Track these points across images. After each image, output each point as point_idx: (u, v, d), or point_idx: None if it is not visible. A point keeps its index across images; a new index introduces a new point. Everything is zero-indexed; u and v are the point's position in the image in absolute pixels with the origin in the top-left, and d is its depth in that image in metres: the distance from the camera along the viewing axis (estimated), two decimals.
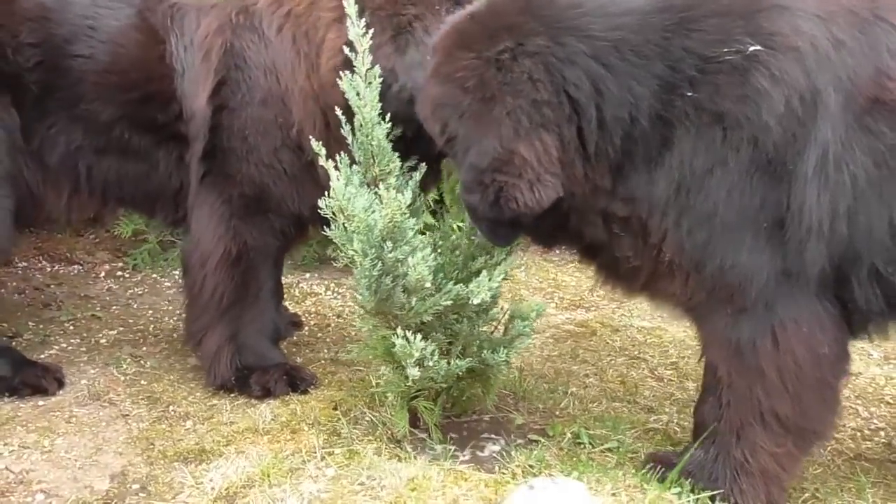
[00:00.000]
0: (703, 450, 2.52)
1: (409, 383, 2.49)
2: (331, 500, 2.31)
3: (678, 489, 2.47)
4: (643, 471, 2.57)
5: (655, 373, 3.53)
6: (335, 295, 4.23)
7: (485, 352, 2.59)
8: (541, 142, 2.16)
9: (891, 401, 3.30)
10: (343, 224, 2.51)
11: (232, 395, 3.07)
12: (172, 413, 2.94)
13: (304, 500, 2.31)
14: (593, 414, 3.04)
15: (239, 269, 3.04)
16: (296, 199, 3.01)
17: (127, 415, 2.92)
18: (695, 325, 2.50)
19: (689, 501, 2.41)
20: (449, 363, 2.50)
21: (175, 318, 3.80)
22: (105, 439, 2.76)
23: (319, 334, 3.75)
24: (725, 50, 2.16)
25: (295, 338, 3.63)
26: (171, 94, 2.97)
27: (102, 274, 4.31)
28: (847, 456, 2.90)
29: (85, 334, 3.56)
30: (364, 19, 2.60)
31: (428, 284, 2.41)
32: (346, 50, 2.65)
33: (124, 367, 3.26)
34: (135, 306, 3.92)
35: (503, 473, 2.50)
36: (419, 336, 2.41)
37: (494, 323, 2.74)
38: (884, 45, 2.14)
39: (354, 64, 2.65)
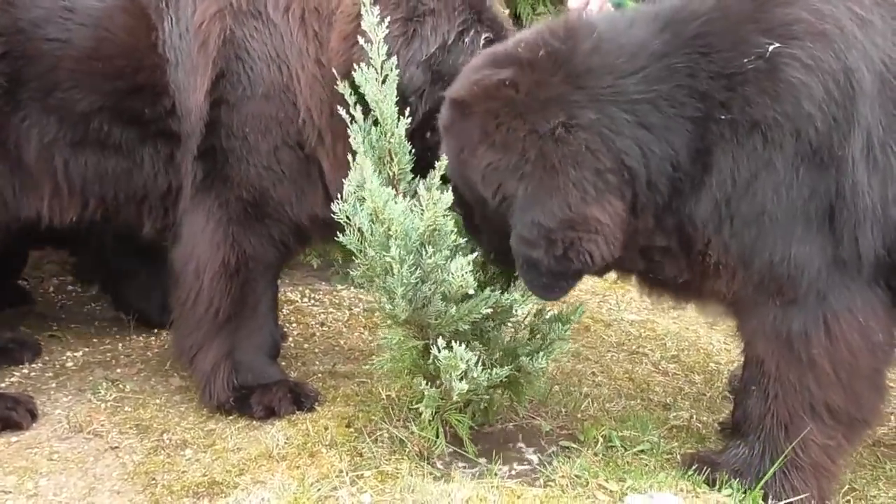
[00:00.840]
0: (748, 447, 2.45)
1: (456, 397, 2.30)
2: None
3: (729, 490, 2.39)
4: (690, 473, 2.48)
5: (659, 367, 3.47)
6: (313, 301, 3.98)
7: (522, 358, 2.44)
8: (611, 204, 2.17)
9: None
10: (369, 229, 2.31)
11: (230, 417, 2.80)
12: (168, 442, 2.65)
13: None
14: (613, 415, 2.95)
15: (237, 281, 2.78)
16: (295, 204, 2.78)
17: (116, 447, 2.61)
18: (738, 319, 2.43)
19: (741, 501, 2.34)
20: (490, 373, 2.33)
21: (145, 335, 3.47)
22: (97, 477, 2.46)
23: (306, 346, 3.51)
24: (746, 61, 2.16)
25: (281, 351, 3.37)
26: (162, 87, 2.67)
27: (51, 289, 3.91)
28: (866, 443, 2.90)
29: (47, 357, 3.19)
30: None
31: (471, 291, 2.24)
32: (361, 40, 2.46)
33: (102, 392, 2.92)
34: (96, 324, 3.56)
35: (551, 486, 2.36)
36: (463, 347, 2.23)
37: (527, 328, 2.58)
38: None
39: (370, 55, 2.45)
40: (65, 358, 3.21)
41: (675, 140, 2.19)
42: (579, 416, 2.91)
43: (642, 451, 2.67)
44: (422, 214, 2.28)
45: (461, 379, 2.25)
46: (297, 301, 3.97)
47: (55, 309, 3.70)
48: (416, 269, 2.27)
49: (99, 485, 2.42)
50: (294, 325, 3.71)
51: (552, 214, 2.16)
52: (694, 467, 2.50)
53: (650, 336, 3.78)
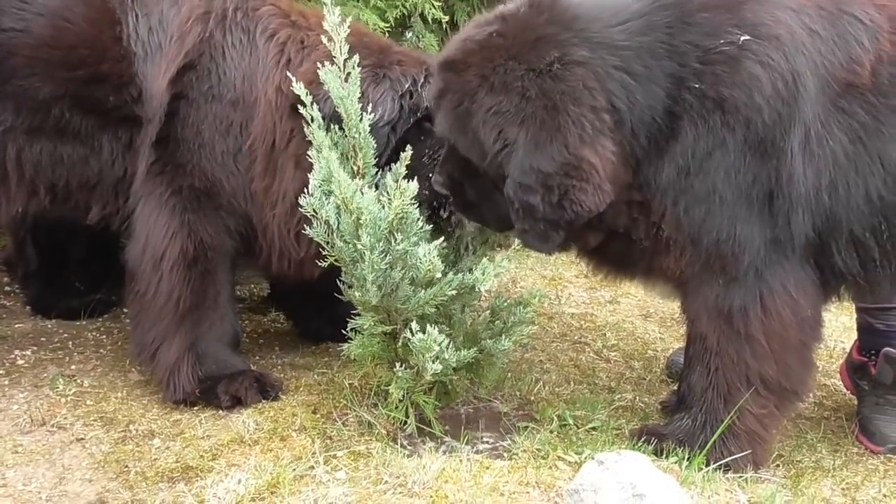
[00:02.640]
0: (691, 418, 2.66)
1: (429, 377, 2.41)
2: (360, 502, 2.19)
3: (675, 458, 2.59)
4: (638, 444, 2.67)
5: (602, 355, 3.67)
6: (261, 300, 4.01)
7: (486, 341, 2.58)
8: (603, 148, 2.26)
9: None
10: (337, 220, 2.42)
11: (195, 407, 2.82)
12: (135, 432, 2.65)
13: None
14: (563, 398, 3.12)
15: (197, 271, 2.80)
16: (248, 199, 2.82)
17: (82, 438, 2.60)
18: (683, 298, 2.64)
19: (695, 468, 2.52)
20: (458, 354, 2.46)
21: (94, 331, 3.43)
22: (65, 467, 2.45)
23: (261, 341, 3.54)
24: (721, 41, 2.34)
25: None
26: (128, 77, 2.71)
27: None
28: (790, 417, 3.18)
29: None
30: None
31: (439, 275, 2.36)
32: (324, 39, 2.59)
33: (60, 387, 2.89)
34: (41, 324, 3.48)
35: (515, 459, 2.51)
36: (435, 330, 2.35)
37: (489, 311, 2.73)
38: (851, 35, 2.39)
39: (333, 54, 2.57)
40: (14, 356, 3.14)
41: (656, 91, 2.30)
42: (532, 398, 3.07)
43: (594, 427, 2.85)
44: (389, 203, 2.38)
45: (434, 360, 2.37)
46: (246, 299, 3.99)
47: None
48: (386, 255, 2.37)
49: (69, 475, 2.41)
50: (246, 322, 3.73)
51: (551, 158, 2.24)
52: (643, 439, 2.68)
53: (591, 327, 3.99)
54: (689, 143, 2.33)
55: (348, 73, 2.58)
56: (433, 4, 4.18)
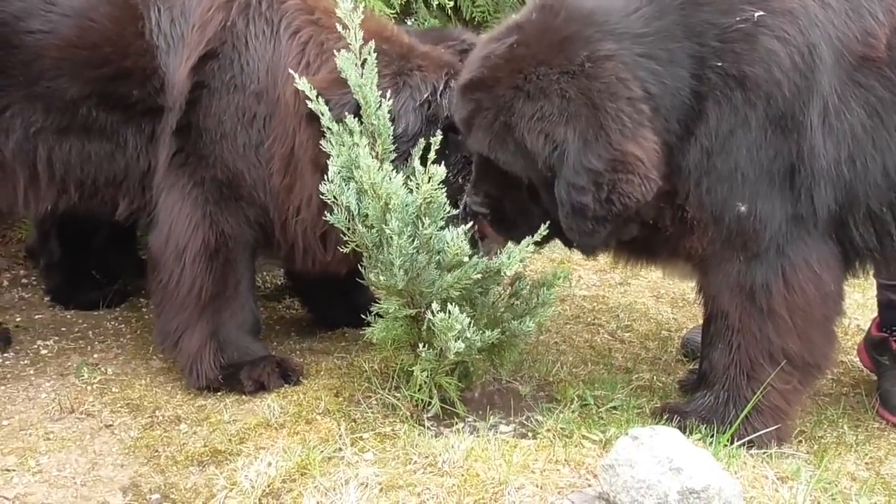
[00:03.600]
0: (713, 395, 2.68)
1: (452, 356, 2.43)
2: (391, 482, 2.21)
3: (698, 435, 2.61)
4: (662, 422, 2.69)
5: (616, 336, 3.70)
6: (275, 287, 4.03)
7: (511, 322, 2.60)
8: (645, 139, 2.27)
9: None
10: (358, 206, 2.45)
11: (218, 393, 2.85)
12: (161, 418, 2.67)
13: (364, 485, 2.20)
14: (582, 378, 3.14)
15: (218, 261, 2.81)
16: (269, 191, 2.82)
17: (111, 425, 2.62)
18: (704, 277, 2.65)
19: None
20: (482, 334, 2.48)
21: (113, 321, 3.46)
22: (97, 453, 2.47)
23: (277, 327, 3.57)
24: (737, 18, 2.34)
25: None
26: (151, 70, 2.73)
27: (6, 283, 3.81)
28: (809, 394, 3.20)
29: (19, 347, 3.14)
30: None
31: (466, 259, 2.38)
32: (339, 28, 2.59)
33: (85, 376, 2.91)
34: (61, 314, 3.50)
35: (540, 438, 2.53)
36: (456, 309, 2.37)
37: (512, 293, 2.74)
38: (865, 8, 2.39)
39: (348, 41, 2.58)
40: (37, 346, 3.17)
41: (681, 75, 2.31)
42: (551, 379, 3.09)
43: (614, 407, 2.87)
44: (417, 188, 2.39)
45: (457, 339, 2.38)
46: (260, 286, 4.01)
47: (15, 300, 3.62)
48: (414, 239, 2.39)
49: (101, 460, 2.43)
50: (262, 309, 3.73)
51: (598, 156, 2.25)
52: (665, 417, 2.70)
53: (603, 309, 4.01)
54: (713, 123, 2.34)
55: (364, 60, 2.58)
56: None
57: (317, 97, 2.58)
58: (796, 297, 2.47)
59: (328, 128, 2.58)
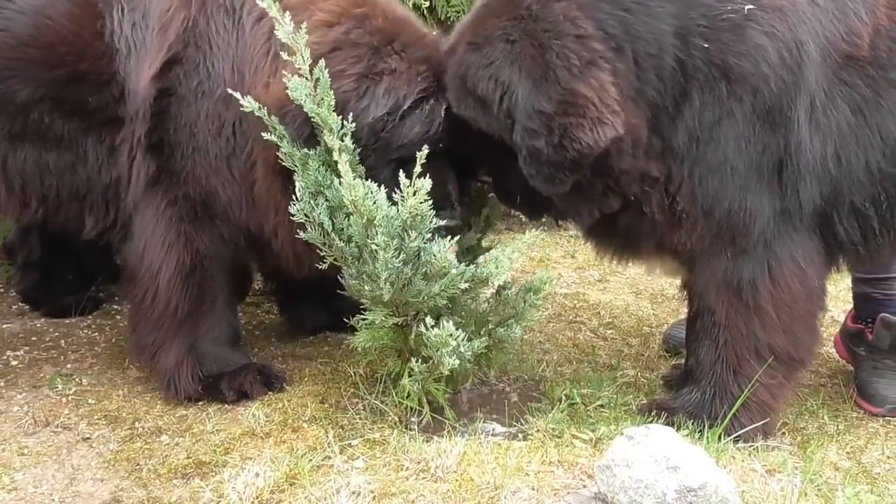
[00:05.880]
0: (700, 391, 2.69)
1: (446, 371, 2.40)
2: (384, 489, 2.17)
3: (686, 431, 2.62)
4: (650, 419, 2.70)
5: (598, 333, 3.70)
6: (253, 293, 3.95)
7: (498, 328, 2.57)
8: (596, 79, 2.23)
9: None
10: (332, 221, 2.40)
11: (200, 403, 2.77)
12: (142, 430, 2.60)
13: (356, 493, 2.15)
14: (567, 377, 3.13)
15: (194, 280, 2.73)
16: (244, 208, 2.68)
17: (88, 438, 2.54)
18: (691, 274, 2.66)
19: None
20: (473, 345, 2.44)
21: (86, 329, 3.36)
22: (74, 467, 2.39)
23: (257, 333, 3.50)
24: (729, 7, 2.34)
25: None
26: (109, 75, 2.59)
27: None
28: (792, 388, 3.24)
29: None
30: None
31: (454, 271, 2.34)
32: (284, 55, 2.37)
33: (60, 387, 2.82)
34: (31, 323, 3.39)
35: (531, 440, 2.51)
36: (451, 323, 2.33)
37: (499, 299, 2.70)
38: (850, 8, 2.42)
39: (295, 66, 2.36)
40: (7, 357, 3.06)
41: (661, 29, 2.28)
42: (537, 379, 3.08)
43: (602, 405, 2.86)
44: (403, 202, 2.32)
45: (451, 355, 2.34)
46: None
47: None
48: (400, 253, 2.34)
49: (79, 475, 2.36)
50: (241, 314, 3.67)
51: (549, 98, 2.22)
52: (653, 413, 2.71)
53: (584, 307, 4.01)
54: (697, 106, 2.34)
55: (317, 80, 2.36)
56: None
57: (270, 116, 2.37)
58: (782, 293, 2.49)
59: (287, 153, 2.40)
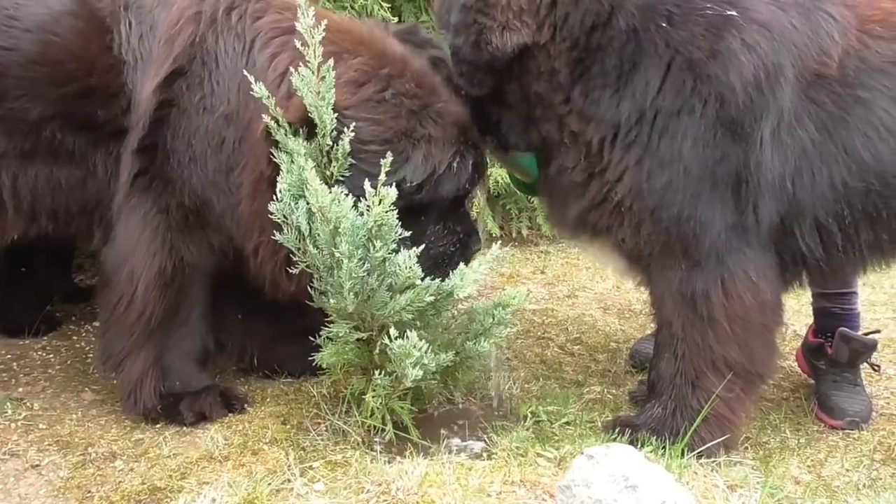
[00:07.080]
0: (661, 406, 2.69)
1: (409, 383, 2.36)
2: None
3: (650, 447, 2.61)
4: (613, 436, 2.68)
5: (566, 349, 3.69)
6: None
7: (466, 344, 2.54)
8: None
9: None
10: (308, 228, 2.35)
11: (157, 425, 2.71)
12: (94, 455, 2.53)
13: None
14: (534, 394, 3.12)
15: (172, 289, 2.68)
16: (235, 220, 2.66)
17: (38, 465, 2.46)
18: (647, 282, 2.66)
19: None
20: (438, 359, 2.41)
21: (40, 351, 3.27)
22: (23, 496, 2.31)
23: None
24: (709, 5, 2.35)
25: None
26: (117, 88, 2.57)
27: None
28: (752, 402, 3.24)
29: None
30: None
31: (419, 282, 2.31)
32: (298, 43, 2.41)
33: (9, 412, 2.73)
34: None
35: (495, 458, 2.48)
36: (414, 335, 2.30)
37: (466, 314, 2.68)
38: (824, 30, 2.44)
39: (306, 58, 2.41)
40: None
41: None
42: (504, 396, 3.06)
43: (567, 422, 2.85)
44: (368, 211, 2.30)
45: (414, 366, 2.32)
46: None
47: None
48: (364, 262, 2.31)
49: None
50: None
51: None
52: (617, 430, 2.70)
53: (552, 322, 4.01)
54: (652, 86, 2.35)
55: (323, 77, 2.41)
56: (381, 5, 4.15)
57: (276, 107, 2.41)
58: (735, 304, 2.49)
59: (281, 141, 2.43)
